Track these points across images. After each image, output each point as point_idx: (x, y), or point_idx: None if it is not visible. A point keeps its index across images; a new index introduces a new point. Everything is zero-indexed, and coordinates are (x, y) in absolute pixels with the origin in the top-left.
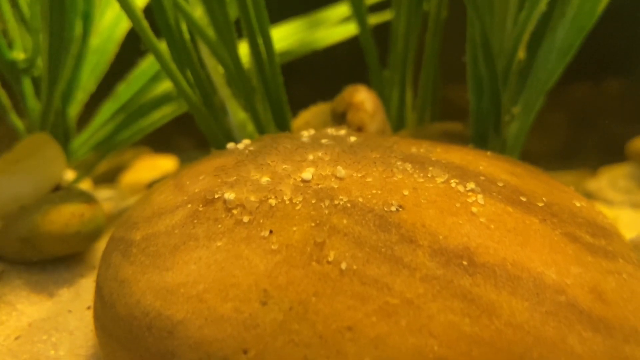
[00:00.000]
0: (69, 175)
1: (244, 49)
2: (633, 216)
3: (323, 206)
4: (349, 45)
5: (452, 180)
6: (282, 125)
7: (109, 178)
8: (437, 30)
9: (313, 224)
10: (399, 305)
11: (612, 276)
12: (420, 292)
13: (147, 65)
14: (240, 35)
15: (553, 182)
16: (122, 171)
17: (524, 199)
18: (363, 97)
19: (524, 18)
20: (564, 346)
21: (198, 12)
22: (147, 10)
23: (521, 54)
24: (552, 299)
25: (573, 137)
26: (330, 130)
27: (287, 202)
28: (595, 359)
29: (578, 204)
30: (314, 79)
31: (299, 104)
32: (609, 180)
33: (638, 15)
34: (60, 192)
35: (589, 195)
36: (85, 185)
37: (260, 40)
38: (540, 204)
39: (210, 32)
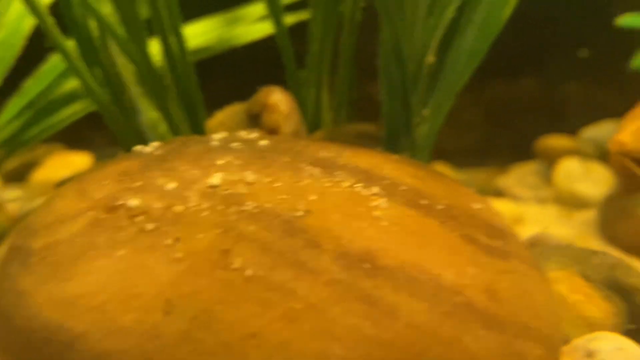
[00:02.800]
0: None
1: (156, 47)
2: (539, 211)
3: (230, 212)
4: (267, 45)
5: (357, 185)
6: (196, 126)
7: (20, 175)
8: (352, 32)
9: (220, 231)
10: (302, 310)
11: (506, 276)
12: (323, 296)
13: (56, 60)
14: (152, 32)
15: (454, 185)
16: (33, 168)
17: (425, 202)
18: (278, 99)
19: (433, 24)
20: (459, 345)
21: (107, 9)
22: (53, 7)
23: (430, 58)
24: (449, 300)
25: (487, 134)
26: (242, 134)
27: (194, 208)
28: (489, 356)
29: (476, 206)
30: (231, 78)
31: (215, 104)
32: (518, 177)
33: (552, 16)
34: None
35: (499, 192)
36: None
37: (172, 38)
38: (440, 207)
39: (120, 29)
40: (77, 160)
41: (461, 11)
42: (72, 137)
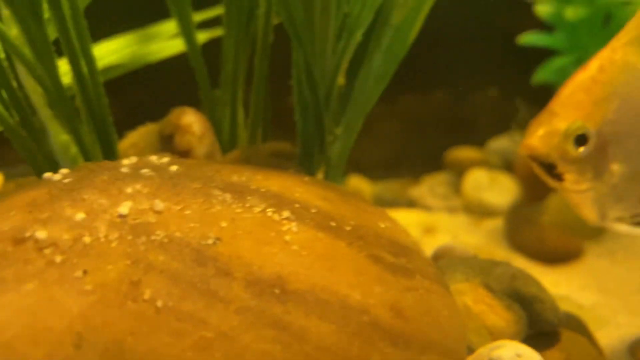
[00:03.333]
0: None
1: (65, 68)
2: (449, 220)
3: (139, 242)
4: (183, 63)
5: (268, 209)
6: (108, 148)
7: None
8: (265, 52)
9: (129, 262)
10: (214, 338)
11: (410, 293)
12: (234, 324)
13: None
14: (60, 54)
15: (361, 205)
16: None
17: (334, 224)
18: (191, 120)
19: (342, 47)
20: None
21: (14, 31)
22: None
23: (341, 79)
24: (357, 320)
25: (401, 147)
26: (153, 159)
27: (103, 239)
28: None
29: (383, 225)
30: (146, 97)
31: (130, 123)
32: (429, 188)
33: (461, 33)
34: None
35: (412, 202)
36: None
37: (82, 61)
38: (349, 228)
39: (27, 51)
40: None
41: (369, 35)
42: None
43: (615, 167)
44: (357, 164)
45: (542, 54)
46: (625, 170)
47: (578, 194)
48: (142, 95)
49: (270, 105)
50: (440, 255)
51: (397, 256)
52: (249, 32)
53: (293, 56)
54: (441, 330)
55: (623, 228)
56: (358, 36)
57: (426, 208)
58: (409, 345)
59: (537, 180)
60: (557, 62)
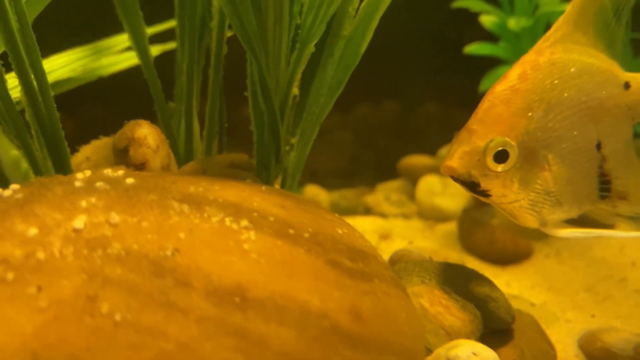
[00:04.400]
0: None
1: (13, 82)
2: (405, 226)
3: (96, 256)
4: (136, 76)
5: (227, 219)
6: (60, 162)
7: None
8: (219, 64)
9: (85, 276)
10: (174, 350)
11: (368, 296)
12: (194, 335)
13: None
14: (8, 68)
15: (319, 212)
16: None
17: (292, 231)
18: (145, 132)
19: (295, 58)
20: None
21: None
22: None
23: (295, 90)
24: (317, 325)
25: (356, 155)
26: (107, 172)
27: (57, 254)
28: None
29: (340, 231)
30: (99, 110)
31: (81, 137)
32: (384, 195)
33: (410, 47)
34: None
35: (368, 209)
36: None
37: (31, 75)
38: (307, 235)
39: None
40: None
41: (322, 46)
42: None
43: (547, 174)
44: (313, 174)
45: (489, 64)
46: (561, 174)
47: (507, 205)
48: (95, 110)
49: (226, 117)
50: (396, 260)
51: (355, 261)
52: (202, 45)
53: (247, 68)
54: (399, 331)
55: (563, 232)
56: (311, 47)
57: (382, 215)
58: (368, 347)
59: None
60: (501, 71)
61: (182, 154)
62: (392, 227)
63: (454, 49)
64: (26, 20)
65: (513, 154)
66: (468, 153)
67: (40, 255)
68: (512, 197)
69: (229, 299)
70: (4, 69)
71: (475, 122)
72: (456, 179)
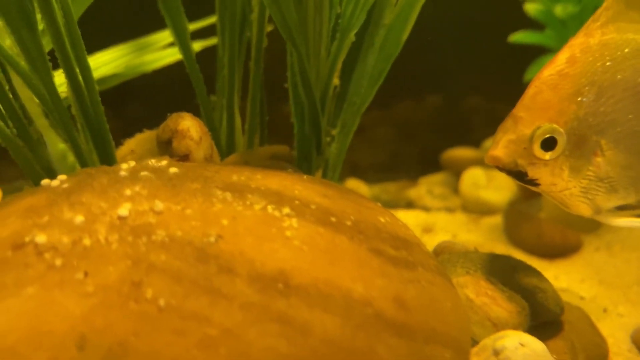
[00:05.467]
0: None
1: (61, 78)
2: (448, 219)
3: (140, 243)
4: (178, 71)
5: (269, 206)
6: (105, 155)
7: None
8: (259, 57)
9: (130, 263)
10: (218, 335)
11: (412, 284)
12: (238, 320)
13: None
14: (56, 65)
15: (361, 200)
16: None
17: (334, 219)
18: (188, 124)
19: (336, 48)
20: (373, 355)
21: (7, 42)
22: None
23: (336, 80)
24: (360, 312)
25: (397, 150)
26: (151, 162)
27: (103, 241)
28: None
29: (383, 220)
30: (142, 105)
31: (127, 131)
32: (427, 188)
33: (451, 39)
34: None
35: (410, 203)
36: None
37: (77, 70)
38: (349, 223)
39: (22, 61)
40: None
41: (362, 35)
42: None
43: (601, 160)
44: (354, 168)
45: (533, 53)
46: (616, 159)
47: (558, 193)
48: (139, 104)
49: (267, 110)
50: (440, 252)
51: (398, 249)
52: (242, 38)
53: (288, 59)
54: (445, 321)
55: (619, 221)
56: (351, 36)
57: (424, 209)
58: (414, 336)
59: None
60: (547, 60)
61: (224, 147)
62: (435, 220)
63: (497, 39)
64: (72, 18)
65: (561, 141)
66: (514, 141)
67: (87, 242)
68: (562, 185)
69: (273, 285)
70: (51, 65)
71: (521, 109)
72: (502, 168)
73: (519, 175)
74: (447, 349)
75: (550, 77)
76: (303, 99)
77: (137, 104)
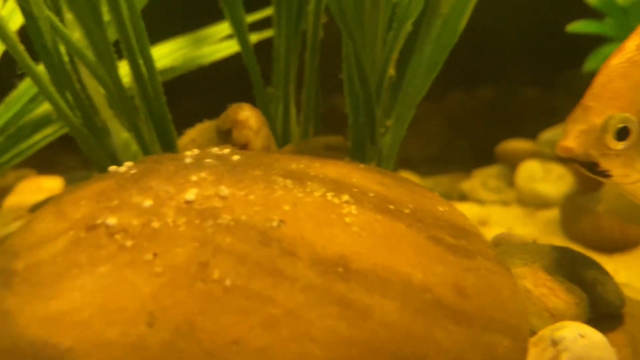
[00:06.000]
0: None
1: (125, 69)
2: (503, 212)
3: (206, 226)
4: (234, 63)
5: (328, 194)
6: (167, 144)
7: None
8: (315, 48)
9: (197, 244)
10: (281, 315)
11: (472, 273)
12: (300, 302)
13: (25, 86)
14: (120, 56)
15: (418, 189)
16: (4, 195)
17: (392, 207)
18: (247, 115)
19: (392, 38)
20: (431, 340)
21: (76, 35)
22: (23, 32)
23: (391, 71)
24: (420, 298)
25: (450, 142)
26: (214, 150)
27: (171, 224)
28: (460, 349)
29: (441, 209)
30: (201, 96)
31: (186, 122)
32: (481, 181)
33: (505, 29)
34: None
35: (464, 196)
36: None
37: (140, 60)
38: (407, 211)
39: (89, 53)
40: (48, 184)
41: (418, 25)
42: (43, 161)
43: None
44: (406, 161)
45: (592, 45)
46: None
47: (631, 185)
48: (197, 96)
49: (322, 101)
50: (496, 243)
51: (457, 238)
52: (299, 30)
53: (343, 50)
54: (504, 309)
55: None
56: (408, 26)
57: (478, 201)
58: (472, 322)
59: None
60: (608, 49)
61: (279, 138)
62: (490, 213)
63: (553, 29)
64: (136, 10)
65: (635, 131)
66: (585, 132)
67: (156, 224)
68: (635, 177)
69: (333, 269)
70: (116, 56)
71: (591, 98)
72: (573, 160)
73: (590, 166)
74: (505, 337)
75: (620, 65)
76: (358, 90)
77: (196, 96)
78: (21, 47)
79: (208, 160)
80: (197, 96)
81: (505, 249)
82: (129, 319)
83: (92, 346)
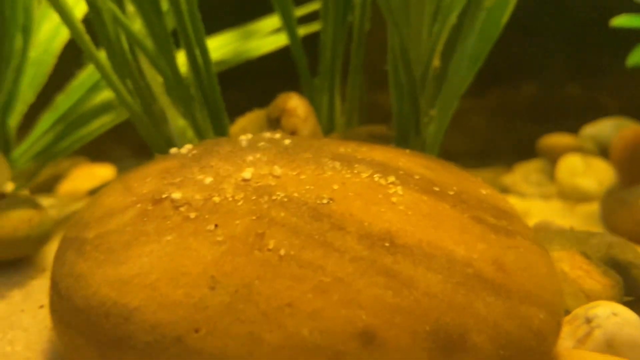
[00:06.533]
0: (9, 185)
1: (181, 59)
2: (543, 206)
3: (262, 201)
4: (281, 55)
5: (375, 175)
6: (220, 131)
7: (46, 188)
8: (361, 40)
9: (254, 217)
10: (331, 283)
11: (511, 250)
12: (349, 271)
13: (85, 76)
14: (178, 46)
15: (463, 174)
16: (59, 181)
17: (437, 189)
18: (296, 104)
19: (437, 30)
20: (471, 310)
21: (137, 25)
22: (86, 22)
23: (436, 62)
24: (462, 272)
25: (491, 136)
26: (267, 134)
27: (230, 199)
28: (497, 318)
29: (484, 192)
30: (250, 87)
31: (235, 111)
32: (523, 175)
33: (547, 24)
34: (6, 199)
35: (505, 189)
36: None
37: (197, 51)
38: (451, 193)
39: (149, 43)
40: (101, 172)
41: (463, 17)
42: (95, 150)
43: None
44: (447, 155)
45: (636, 39)
46: None
47: None
48: (248, 85)
49: (366, 92)
50: (537, 229)
51: (499, 219)
52: (345, 23)
53: (389, 41)
54: (540, 285)
55: None
56: (453, 18)
57: (520, 194)
58: (510, 295)
59: (634, 164)
60: None
61: (324, 127)
62: (530, 206)
63: (596, 22)
64: (193, 1)
65: None
66: None
67: (216, 199)
68: None
69: (380, 243)
70: (174, 46)
71: None
72: None
73: None
74: (541, 310)
75: None
76: (403, 80)
77: (246, 86)
78: (87, 37)
79: (262, 143)
80: (248, 86)
81: (545, 234)
82: (192, 282)
83: (158, 306)
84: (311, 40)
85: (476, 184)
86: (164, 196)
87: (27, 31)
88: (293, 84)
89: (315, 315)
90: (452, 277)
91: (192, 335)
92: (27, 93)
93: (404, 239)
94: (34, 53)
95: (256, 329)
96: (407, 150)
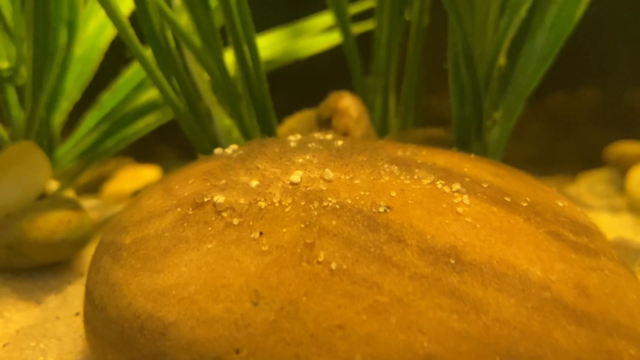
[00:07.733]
0: (53, 185)
1: (229, 56)
2: (611, 220)
3: (312, 208)
4: (331, 53)
5: (438, 182)
6: (268, 132)
7: (92, 189)
8: (419, 37)
9: (303, 225)
10: (388, 303)
11: (595, 272)
12: (409, 290)
13: (130, 74)
14: (225, 43)
15: (536, 183)
16: (104, 181)
17: (508, 199)
18: (348, 103)
19: (504, 25)
20: (549, 340)
21: (183, 20)
22: (132, 18)
23: (502, 60)
24: (538, 295)
25: (552, 144)
26: (317, 135)
27: (277, 204)
28: (580, 352)
29: (560, 204)
30: (299, 86)
31: (284, 111)
32: (588, 186)
33: (612, 26)
34: (47, 200)
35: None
36: (68, 195)
37: (245, 48)
38: (524, 204)
39: (196, 39)
40: (146, 173)
41: (532, 12)
42: (141, 151)
43: None
44: (507, 162)
45: None
46: None
47: None
48: (295, 84)
49: (423, 92)
50: (615, 247)
51: (579, 235)
52: (401, 18)
53: (449, 38)
54: (630, 314)
55: None
56: (522, 12)
57: (585, 206)
58: (595, 326)
59: None
60: None
61: (377, 129)
62: (597, 220)
63: None
64: None
65: None
66: None
67: (262, 204)
68: None
69: (444, 259)
70: (222, 44)
71: None
72: None
73: None
74: (632, 345)
75: None
76: (464, 79)
77: (296, 85)
78: (132, 32)
79: (312, 144)
80: (296, 86)
81: (625, 252)
82: (234, 296)
83: (196, 321)
84: (364, 38)
85: (551, 194)
86: (206, 200)
87: (72, 27)
88: (344, 84)
89: (369, 339)
90: (527, 301)
91: (232, 357)
92: (72, 91)
93: (472, 256)
94: (79, 50)
95: (303, 352)
96: (472, 155)
